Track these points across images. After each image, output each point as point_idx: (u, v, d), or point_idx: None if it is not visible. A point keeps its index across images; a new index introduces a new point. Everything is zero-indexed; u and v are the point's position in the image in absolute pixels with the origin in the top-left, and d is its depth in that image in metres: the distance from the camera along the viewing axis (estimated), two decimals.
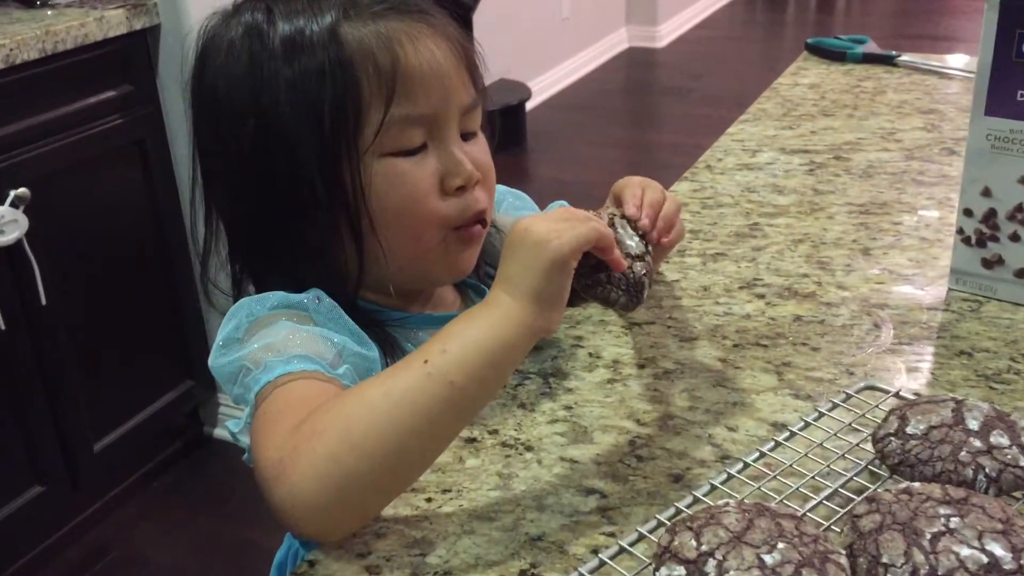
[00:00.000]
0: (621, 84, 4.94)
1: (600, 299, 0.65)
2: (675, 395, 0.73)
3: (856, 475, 0.60)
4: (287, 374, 0.63)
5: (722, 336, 0.81)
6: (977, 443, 0.55)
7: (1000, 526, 0.48)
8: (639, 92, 4.86)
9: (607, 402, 0.73)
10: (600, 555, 0.55)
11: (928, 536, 0.48)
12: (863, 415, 0.65)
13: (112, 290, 1.90)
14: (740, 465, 0.62)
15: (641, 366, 0.77)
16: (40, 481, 1.79)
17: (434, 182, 0.70)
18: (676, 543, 0.49)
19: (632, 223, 0.68)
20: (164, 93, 1.91)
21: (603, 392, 0.74)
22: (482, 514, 0.61)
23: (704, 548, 0.48)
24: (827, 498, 0.58)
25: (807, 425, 0.65)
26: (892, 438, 0.58)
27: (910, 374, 0.75)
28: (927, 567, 0.46)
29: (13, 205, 1.62)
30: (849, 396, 0.68)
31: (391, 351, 0.72)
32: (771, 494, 0.59)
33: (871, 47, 1.59)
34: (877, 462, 0.60)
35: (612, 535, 0.59)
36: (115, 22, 1.77)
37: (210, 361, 0.68)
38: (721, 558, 0.47)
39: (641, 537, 0.56)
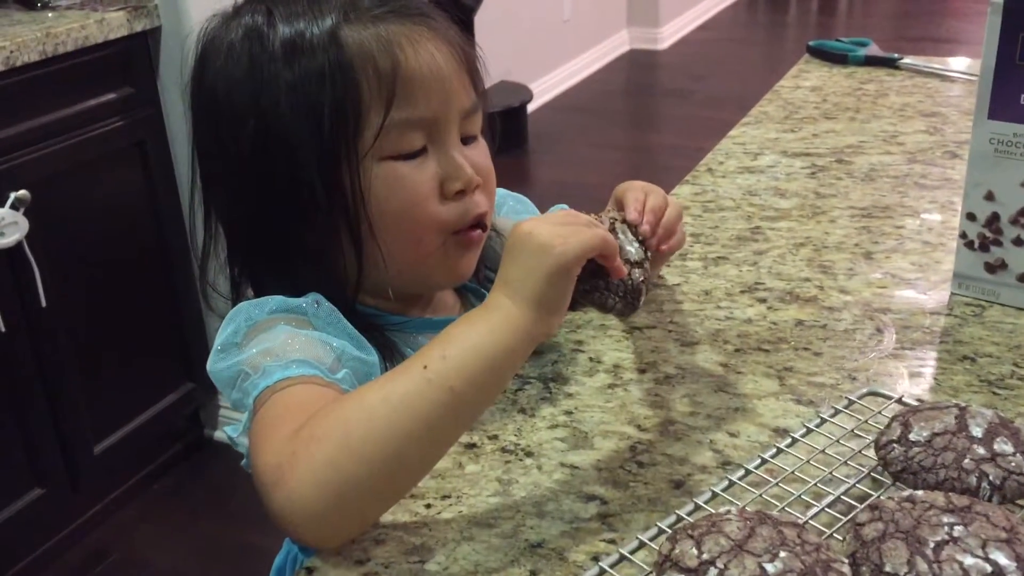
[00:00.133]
0: (622, 86, 4.94)
1: (597, 304, 0.65)
2: (676, 400, 0.73)
3: (858, 482, 0.60)
4: (286, 379, 0.62)
5: (723, 340, 0.80)
6: (981, 450, 0.55)
7: (1004, 535, 0.48)
8: (640, 94, 4.85)
9: (608, 407, 0.72)
10: (600, 563, 0.55)
11: (931, 545, 0.47)
12: (865, 421, 0.65)
13: (112, 292, 1.90)
14: (741, 472, 0.61)
15: (642, 371, 0.77)
16: (40, 483, 1.79)
17: (434, 186, 0.70)
18: (677, 551, 0.48)
19: (633, 228, 0.68)
20: (165, 95, 1.91)
21: (604, 397, 0.74)
22: (481, 520, 0.61)
23: (705, 556, 0.47)
24: (829, 505, 0.58)
25: (809, 431, 0.65)
26: (895, 445, 0.58)
27: (912, 379, 0.74)
28: None
29: (13, 207, 1.62)
30: (851, 402, 0.67)
31: (390, 355, 0.71)
32: (773, 501, 0.59)
33: (873, 50, 1.59)
34: (880, 469, 0.60)
35: (612, 542, 0.59)
36: (116, 24, 1.77)
37: (208, 366, 0.68)
38: (722, 567, 0.46)
39: (642, 545, 0.55)
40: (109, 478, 1.98)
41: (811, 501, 0.58)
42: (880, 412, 0.65)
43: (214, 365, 0.67)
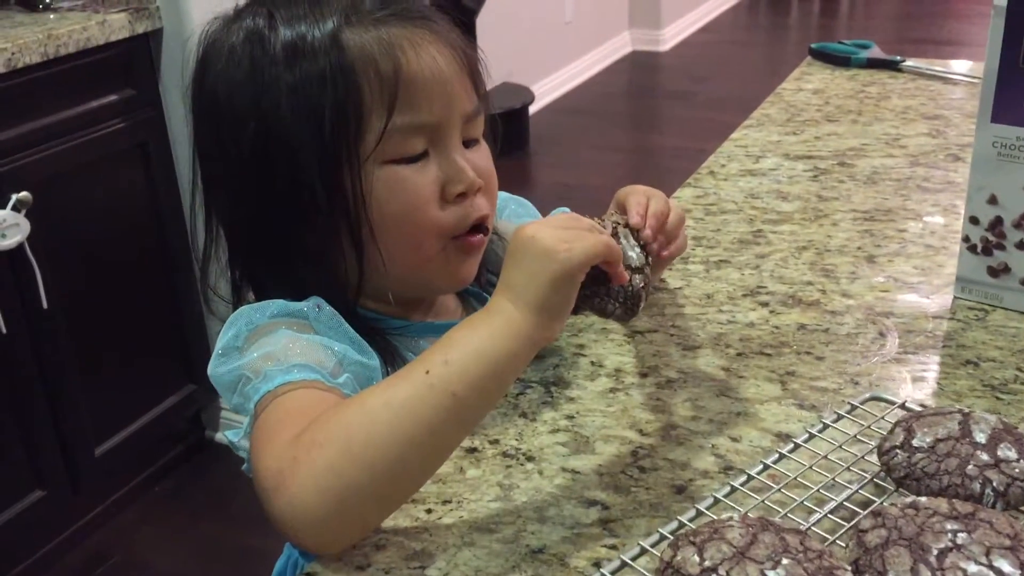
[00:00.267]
0: (624, 88, 4.93)
1: (596, 310, 0.65)
2: (678, 405, 0.72)
3: (861, 488, 0.60)
4: (287, 383, 0.62)
5: (725, 345, 0.80)
6: (984, 456, 0.55)
7: (1008, 542, 0.47)
8: (642, 96, 4.85)
9: (609, 412, 0.72)
10: (602, 569, 0.54)
11: (935, 552, 0.47)
12: (868, 426, 0.64)
13: (114, 294, 1.90)
14: (744, 477, 0.61)
15: (643, 375, 0.77)
16: (41, 485, 1.78)
17: (435, 189, 0.70)
18: (679, 558, 0.48)
19: (635, 233, 0.67)
20: (166, 97, 1.91)
21: (605, 401, 0.73)
22: (482, 526, 0.61)
23: (707, 564, 0.47)
24: (832, 511, 0.58)
25: (811, 436, 0.64)
26: (898, 451, 0.57)
27: (915, 384, 0.74)
28: None
29: (15, 209, 1.61)
30: (854, 407, 0.67)
31: (391, 359, 0.71)
32: (775, 507, 0.58)
33: (875, 52, 1.58)
34: (883, 475, 0.59)
35: (614, 547, 0.58)
36: (117, 26, 1.77)
37: (209, 370, 0.68)
38: (724, 574, 0.46)
39: (643, 551, 0.55)
40: (110, 480, 1.98)
41: (813, 507, 0.58)
42: (883, 417, 0.65)
43: (215, 369, 0.67)
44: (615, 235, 0.66)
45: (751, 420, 0.70)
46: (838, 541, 0.55)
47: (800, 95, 1.46)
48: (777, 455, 0.63)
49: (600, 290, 0.64)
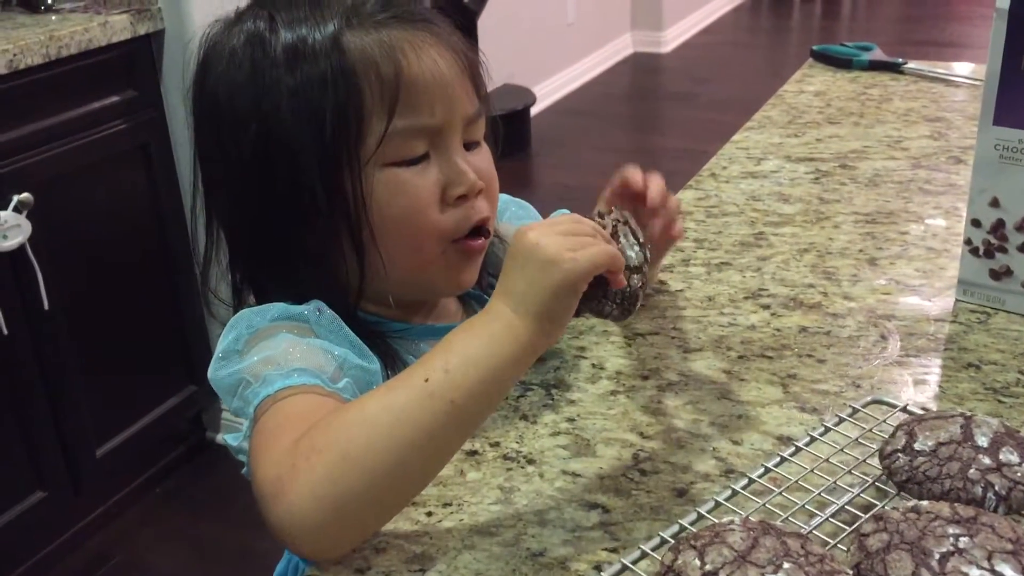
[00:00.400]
0: (626, 89, 4.93)
1: (593, 311, 0.65)
2: (679, 408, 0.72)
3: (863, 491, 0.59)
4: (286, 388, 0.62)
5: (727, 347, 0.80)
6: (986, 460, 0.55)
7: (1010, 546, 0.47)
8: (644, 97, 4.85)
9: (610, 414, 0.72)
10: (602, 573, 0.54)
11: (936, 556, 0.47)
12: (870, 430, 0.64)
13: (115, 295, 1.90)
14: (745, 480, 0.61)
15: (644, 377, 0.77)
16: (42, 486, 1.78)
17: (436, 192, 0.69)
18: (680, 562, 0.48)
19: (635, 232, 0.67)
20: (168, 98, 1.91)
21: (606, 404, 0.73)
22: (483, 529, 0.61)
23: (708, 568, 0.47)
24: (833, 515, 0.57)
25: (813, 440, 0.64)
26: (900, 454, 0.57)
27: (917, 387, 0.74)
28: None
29: (16, 210, 1.62)
30: (856, 410, 0.67)
31: (392, 363, 0.71)
32: (776, 510, 0.58)
33: (877, 54, 1.58)
34: (884, 478, 0.59)
35: (614, 551, 0.58)
36: (119, 27, 1.77)
37: (209, 373, 0.67)
38: None
39: (644, 555, 0.55)
40: (111, 481, 1.98)
41: (815, 511, 0.58)
42: (884, 421, 0.65)
43: (215, 372, 0.67)
44: (615, 234, 0.66)
45: (752, 423, 0.70)
46: (839, 545, 0.54)
47: (802, 97, 1.46)
48: (778, 458, 0.63)
49: (598, 292, 0.64)
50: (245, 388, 0.64)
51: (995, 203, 0.82)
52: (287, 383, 0.62)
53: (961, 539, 0.47)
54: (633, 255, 0.66)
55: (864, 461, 0.62)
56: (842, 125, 1.32)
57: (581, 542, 0.59)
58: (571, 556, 0.58)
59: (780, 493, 0.60)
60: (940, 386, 0.74)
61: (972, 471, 0.54)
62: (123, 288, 1.92)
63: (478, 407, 0.57)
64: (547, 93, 4.43)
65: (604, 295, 0.64)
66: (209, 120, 0.72)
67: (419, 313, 0.78)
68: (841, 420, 0.66)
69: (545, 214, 0.86)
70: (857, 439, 0.64)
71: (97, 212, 1.84)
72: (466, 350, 0.57)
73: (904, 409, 0.66)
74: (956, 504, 0.51)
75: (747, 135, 1.31)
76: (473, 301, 0.82)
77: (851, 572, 0.48)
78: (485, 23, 3.41)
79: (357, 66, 0.67)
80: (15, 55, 1.59)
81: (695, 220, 1.05)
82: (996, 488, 0.54)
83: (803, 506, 0.58)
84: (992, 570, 0.46)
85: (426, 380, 0.56)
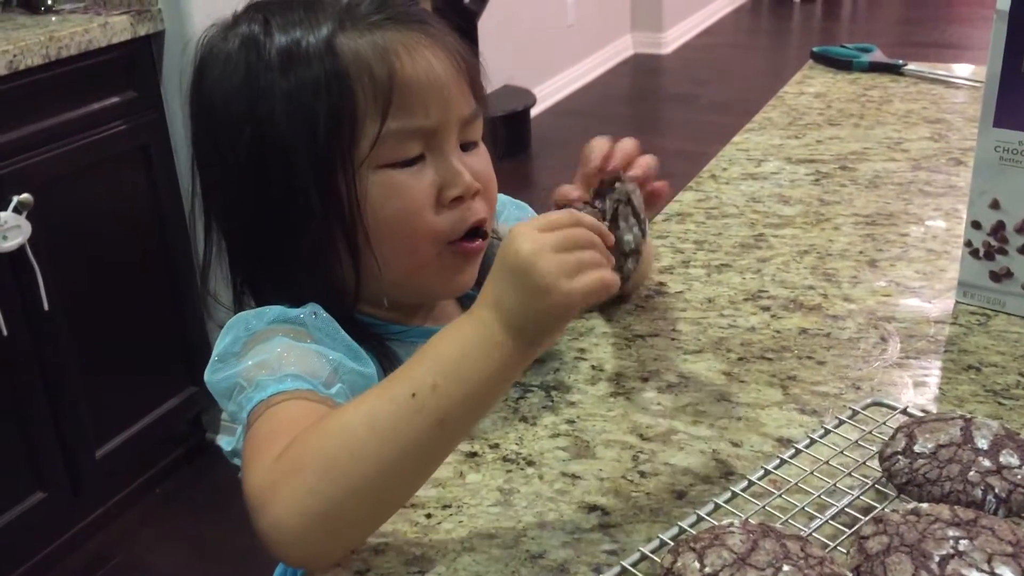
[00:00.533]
0: (626, 90, 4.93)
1: None
2: (679, 409, 0.72)
3: (862, 494, 0.59)
4: (279, 393, 0.62)
5: (726, 349, 0.80)
6: (986, 463, 0.55)
7: (1010, 549, 0.47)
8: (644, 99, 4.85)
9: (609, 416, 0.72)
10: (602, 575, 0.54)
11: (936, 559, 0.47)
12: (870, 432, 0.64)
13: (115, 296, 1.90)
14: (744, 483, 0.61)
15: (644, 379, 0.76)
16: (41, 487, 1.78)
17: (431, 193, 0.69)
18: (679, 564, 0.48)
19: (636, 210, 0.66)
20: (168, 99, 1.91)
21: (606, 406, 0.73)
22: (482, 531, 0.61)
23: (708, 570, 0.47)
24: (833, 517, 0.57)
25: (813, 442, 0.64)
26: (900, 457, 0.57)
27: (917, 389, 0.74)
28: None
29: (16, 211, 1.62)
30: (855, 412, 0.67)
31: (390, 365, 0.71)
32: (776, 513, 0.58)
33: (877, 56, 1.58)
34: (884, 481, 0.59)
35: (614, 553, 0.58)
36: (119, 28, 1.77)
37: (206, 376, 0.67)
38: None
39: (644, 557, 0.55)
40: (111, 482, 1.98)
41: (814, 513, 0.58)
42: (884, 423, 0.65)
43: (212, 376, 0.67)
44: (615, 217, 0.65)
45: (752, 425, 0.70)
46: (839, 547, 0.54)
47: (802, 99, 1.46)
48: (778, 460, 0.63)
49: None
50: (239, 393, 0.64)
51: (995, 205, 0.82)
52: (280, 388, 0.62)
53: (961, 542, 0.47)
54: (631, 238, 0.65)
55: (864, 463, 0.61)
56: (842, 127, 1.32)
57: (580, 544, 0.59)
58: (570, 558, 0.58)
59: (780, 495, 0.59)
60: (940, 388, 0.74)
61: (972, 473, 0.54)
62: (123, 289, 1.92)
63: (465, 421, 0.56)
64: (547, 94, 4.43)
65: None
66: (206, 124, 0.72)
67: (417, 315, 0.77)
68: (841, 422, 0.66)
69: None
70: (857, 441, 0.64)
71: (97, 213, 1.84)
72: (456, 369, 0.55)
73: (904, 411, 0.66)
74: (956, 507, 0.51)
75: (747, 136, 1.31)
76: (472, 303, 0.82)
77: (851, 575, 0.48)
78: (485, 24, 3.41)
79: (350, 68, 0.66)
80: (15, 56, 1.59)
81: (695, 222, 1.05)
82: (996, 490, 0.54)
83: (803, 508, 0.58)
84: (992, 573, 0.46)
85: (413, 395, 0.54)
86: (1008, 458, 0.55)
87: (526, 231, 0.56)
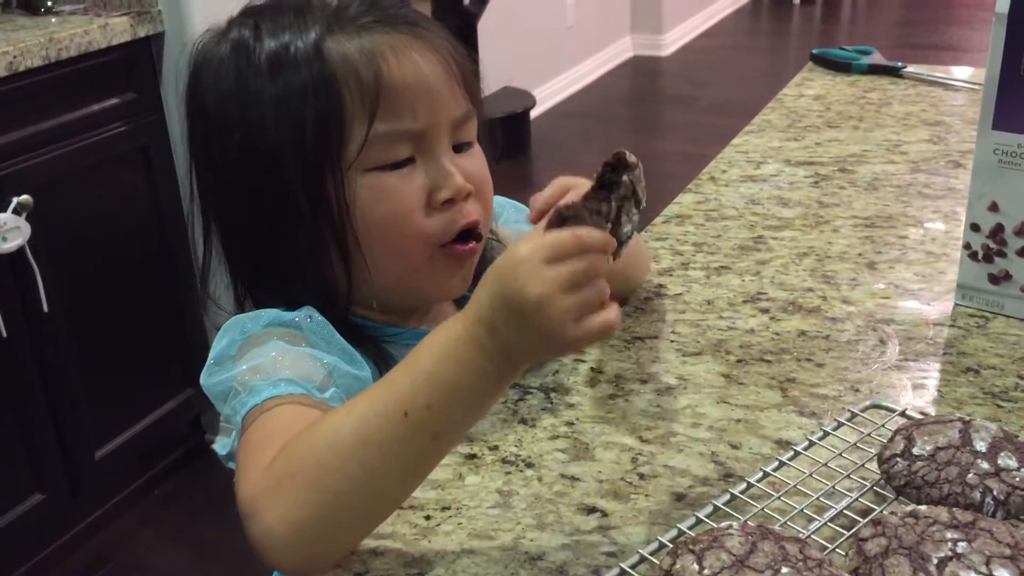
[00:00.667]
0: (626, 92, 4.94)
1: None
2: (678, 411, 0.72)
3: (861, 496, 0.59)
4: (274, 397, 0.62)
5: (725, 351, 0.80)
6: (985, 465, 0.55)
7: (1008, 551, 0.47)
8: (644, 100, 4.85)
9: (609, 418, 0.72)
10: None
11: (935, 561, 0.47)
12: (868, 434, 0.64)
13: (114, 297, 1.90)
14: (743, 485, 0.61)
15: (643, 381, 0.77)
16: (41, 488, 1.78)
17: (421, 195, 0.69)
18: (678, 566, 0.48)
19: (637, 198, 0.66)
20: (167, 100, 1.91)
21: (605, 408, 0.73)
22: (481, 532, 0.61)
23: (707, 572, 0.47)
24: (831, 519, 0.57)
25: (812, 444, 0.64)
26: (898, 459, 0.57)
27: (916, 391, 0.74)
28: None
29: (16, 212, 1.62)
30: (854, 414, 0.67)
31: (386, 366, 0.70)
32: (775, 515, 0.58)
33: (876, 58, 1.58)
34: (883, 483, 0.59)
35: (613, 555, 0.58)
36: (119, 29, 1.77)
37: (202, 379, 0.67)
38: None
39: (643, 559, 0.55)
40: (110, 483, 1.98)
41: (813, 515, 0.58)
42: (883, 425, 0.65)
43: (208, 379, 0.67)
44: (619, 214, 0.65)
45: (751, 427, 0.70)
46: (838, 550, 0.54)
47: (801, 101, 1.46)
48: (777, 462, 0.63)
49: None
50: (234, 397, 0.64)
51: (994, 207, 0.82)
52: (274, 392, 0.62)
53: (959, 544, 0.47)
54: (629, 228, 0.65)
55: (863, 466, 0.62)
56: (841, 129, 1.32)
57: (580, 546, 0.59)
58: (569, 560, 0.58)
59: (779, 497, 0.60)
60: (939, 390, 0.74)
61: (970, 476, 0.54)
62: (122, 290, 1.92)
63: (458, 433, 0.56)
64: (547, 96, 4.44)
65: None
66: (200, 129, 0.72)
67: (413, 317, 0.77)
68: (840, 424, 0.66)
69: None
70: (856, 443, 0.64)
71: (97, 214, 1.84)
72: (450, 387, 0.53)
73: (903, 413, 0.66)
74: (954, 509, 0.51)
75: (746, 139, 1.31)
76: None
77: None
78: (485, 26, 3.41)
79: (337, 72, 0.66)
80: (15, 57, 1.59)
81: (694, 224, 1.05)
82: (994, 493, 0.54)
83: (801, 510, 0.58)
84: (990, 574, 0.46)
85: (405, 414, 0.53)
86: (1006, 460, 0.55)
87: (531, 268, 0.51)
